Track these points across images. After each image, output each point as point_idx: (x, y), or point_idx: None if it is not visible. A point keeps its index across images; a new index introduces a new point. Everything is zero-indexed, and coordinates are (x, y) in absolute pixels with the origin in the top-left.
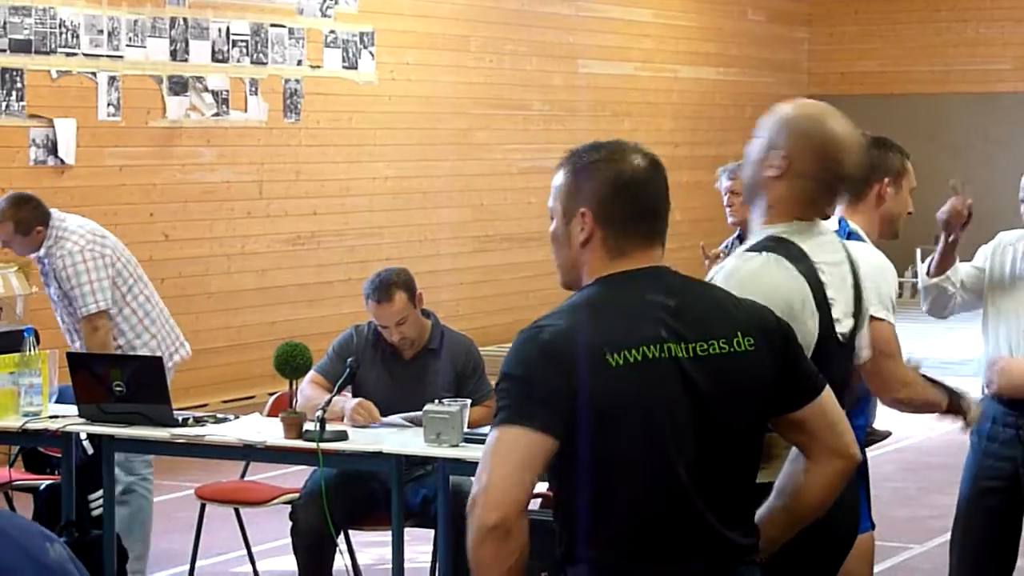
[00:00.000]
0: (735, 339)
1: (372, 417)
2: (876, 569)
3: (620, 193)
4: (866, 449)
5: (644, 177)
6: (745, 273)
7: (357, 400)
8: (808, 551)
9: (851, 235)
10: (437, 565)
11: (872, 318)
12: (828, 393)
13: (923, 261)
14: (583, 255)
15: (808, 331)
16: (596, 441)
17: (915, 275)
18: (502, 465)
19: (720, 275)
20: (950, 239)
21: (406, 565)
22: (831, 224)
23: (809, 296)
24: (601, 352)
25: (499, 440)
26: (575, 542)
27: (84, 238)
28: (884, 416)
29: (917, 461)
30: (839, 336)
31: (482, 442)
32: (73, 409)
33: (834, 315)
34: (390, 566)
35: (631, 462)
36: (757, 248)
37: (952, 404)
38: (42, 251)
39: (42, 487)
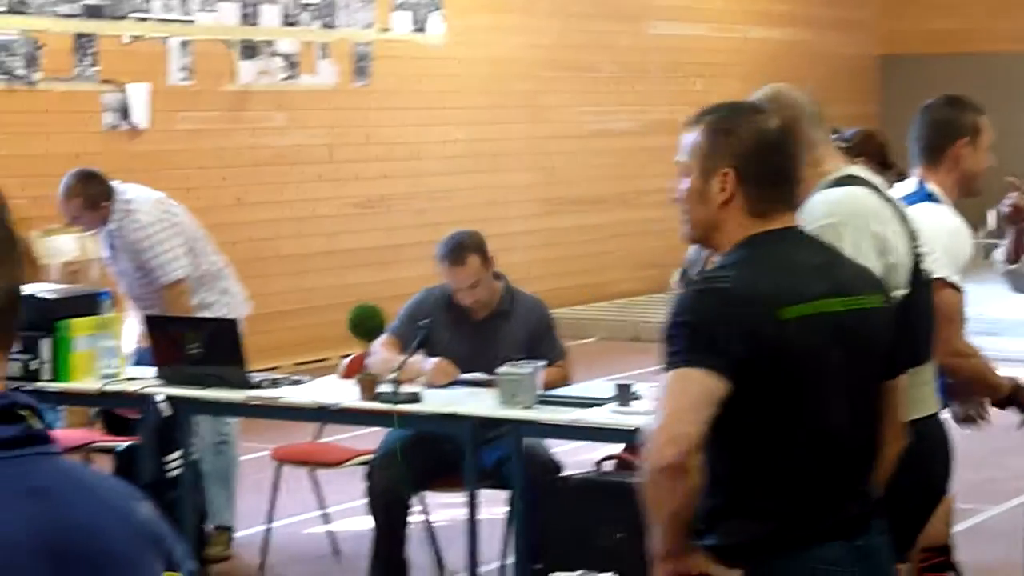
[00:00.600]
0: (870, 296)
1: (452, 375)
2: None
3: (762, 153)
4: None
5: (780, 138)
6: (843, 195)
7: (437, 360)
8: (904, 504)
9: (930, 197)
10: (512, 526)
11: (943, 281)
12: (906, 375)
13: (995, 223)
14: (722, 214)
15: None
16: (768, 391)
17: (987, 236)
18: (677, 403)
19: (816, 206)
20: (1018, 229)
21: (480, 526)
22: (908, 186)
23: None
24: (777, 305)
25: (673, 380)
26: (739, 492)
27: (155, 208)
28: None
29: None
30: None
31: (556, 403)
32: (150, 371)
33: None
34: (464, 527)
35: (801, 413)
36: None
37: (1017, 394)
38: (112, 225)
39: (120, 448)
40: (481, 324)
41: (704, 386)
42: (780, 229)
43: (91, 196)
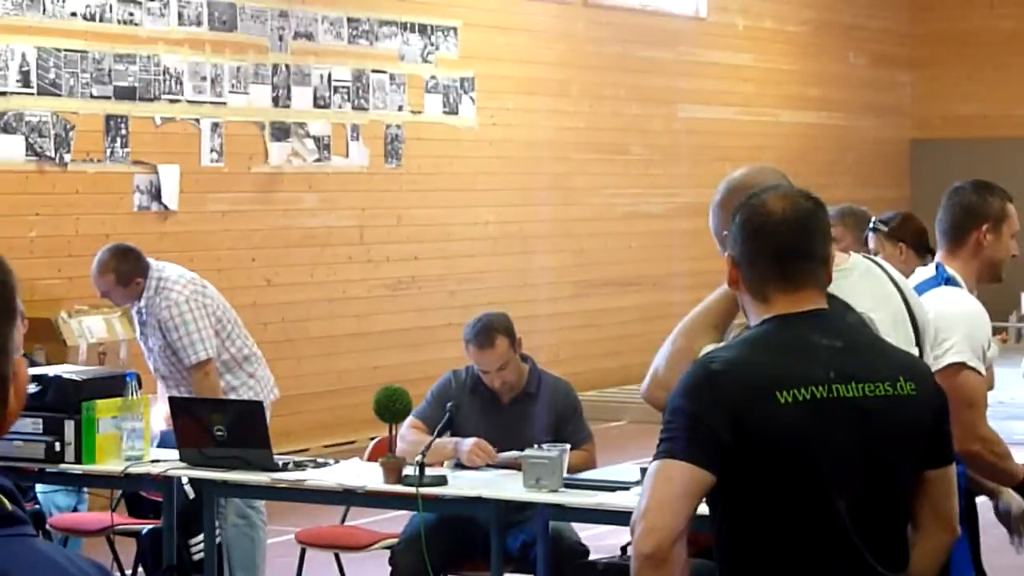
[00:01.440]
0: (898, 383)
1: (489, 457)
2: None
3: (748, 239)
4: (972, 495)
5: (774, 222)
6: None
7: (474, 440)
8: None
9: (948, 281)
10: None
11: (963, 365)
12: (953, 464)
13: None
14: (740, 296)
15: None
16: (759, 477)
17: (1020, 319)
18: (659, 494)
19: None
20: None
21: None
22: (927, 271)
23: None
24: (770, 389)
25: (658, 471)
26: None
27: (187, 288)
28: None
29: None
30: None
31: (582, 487)
32: (174, 453)
33: None
34: None
35: (793, 500)
36: None
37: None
38: (142, 302)
39: (144, 531)
40: (507, 406)
41: (687, 479)
42: (799, 312)
43: (124, 272)
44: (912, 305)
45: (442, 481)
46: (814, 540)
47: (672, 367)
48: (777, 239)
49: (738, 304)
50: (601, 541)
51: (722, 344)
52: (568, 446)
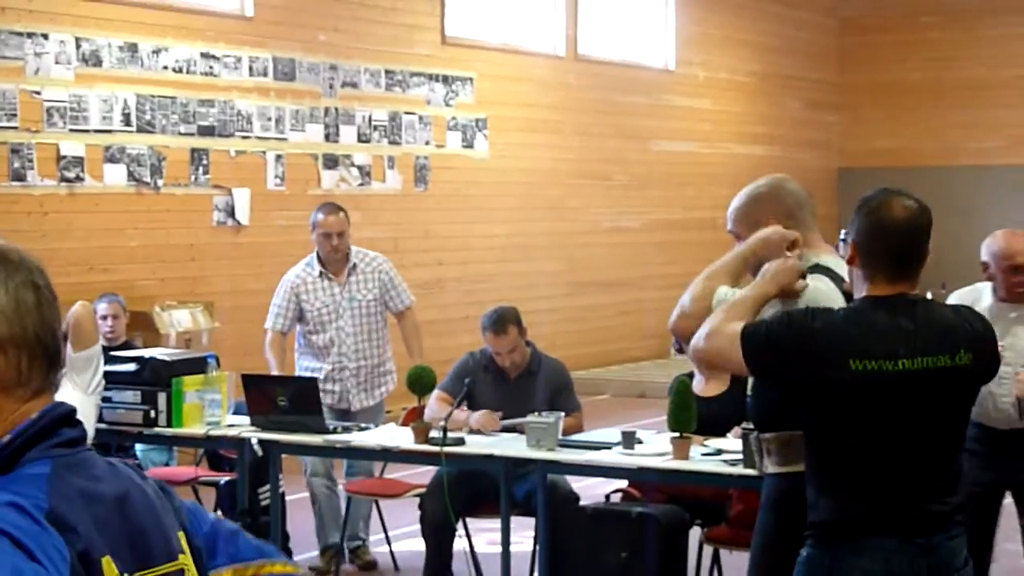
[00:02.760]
0: (957, 355)
1: (494, 425)
2: None
3: (872, 234)
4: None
5: (894, 225)
6: (810, 288)
7: (482, 411)
8: None
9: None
10: (537, 547)
11: None
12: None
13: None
14: (852, 272)
15: None
16: (829, 420)
17: None
18: (722, 325)
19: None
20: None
21: (512, 547)
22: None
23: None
24: (846, 356)
25: (740, 333)
26: (817, 487)
27: None
28: None
29: None
30: None
31: (573, 447)
32: (246, 419)
33: None
34: (500, 548)
35: (858, 447)
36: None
37: None
38: (354, 260)
39: (222, 482)
40: (513, 382)
41: (735, 344)
42: (888, 295)
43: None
44: None
45: (461, 442)
46: (874, 470)
47: (697, 300)
48: (894, 241)
49: (745, 264)
50: (590, 491)
51: (825, 309)
52: (562, 414)
